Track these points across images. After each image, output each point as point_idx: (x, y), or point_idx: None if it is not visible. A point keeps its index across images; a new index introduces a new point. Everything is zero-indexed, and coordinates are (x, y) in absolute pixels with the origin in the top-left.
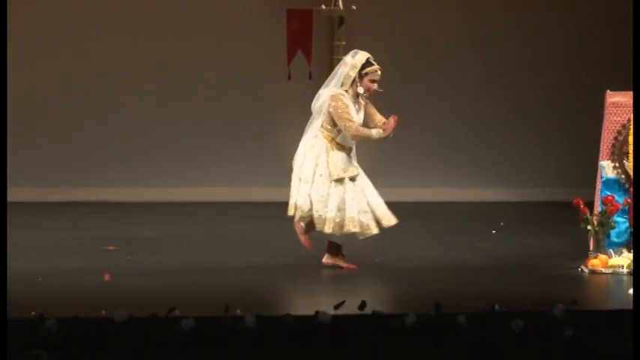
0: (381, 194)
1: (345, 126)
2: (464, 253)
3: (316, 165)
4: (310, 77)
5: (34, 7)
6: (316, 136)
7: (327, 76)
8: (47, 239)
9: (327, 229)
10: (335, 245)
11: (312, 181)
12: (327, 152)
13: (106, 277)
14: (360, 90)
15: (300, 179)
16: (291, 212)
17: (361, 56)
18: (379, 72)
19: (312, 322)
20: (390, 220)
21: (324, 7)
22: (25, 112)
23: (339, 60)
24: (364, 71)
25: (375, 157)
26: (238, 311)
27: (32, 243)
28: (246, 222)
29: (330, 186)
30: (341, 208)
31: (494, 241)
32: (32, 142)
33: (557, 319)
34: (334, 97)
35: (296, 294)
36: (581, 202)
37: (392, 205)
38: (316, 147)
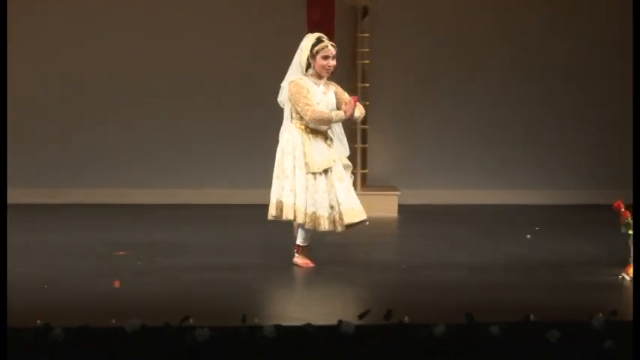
0: (411, 197)
1: (302, 110)
2: (497, 259)
3: (294, 158)
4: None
5: (33, 4)
6: (290, 130)
7: (349, 70)
8: (53, 243)
9: (323, 227)
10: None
11: (294, 175)
12: (304, 143)
13: (117, 284)
14: (315, 71)
15: (278, 176)
16: (272, 211)
17: (310, 37)
18: (330, 46)
19: (334, 332)
20: (353, 217)
21: None
22: (27, 112)
23: (363, 53)
24: (314, 50)
25: (404, 159)
26: (256, 320)
27: (37, 247)
28: (262, 226)
29: (307, 178)
30: (316, 202)
31: (529, 246)
32: (37, 143)
33: (597, 330)
34: (292, 84)
35: (317, 302)
36: (622, 206)
37: (421, 208)
38: (291, 140)
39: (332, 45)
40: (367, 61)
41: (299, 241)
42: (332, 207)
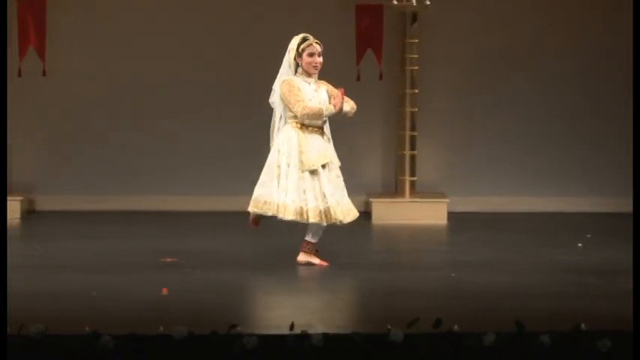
0: (461, 204)
1: (293, 106)
2: (547, 267)
3: (288, 156)
4: (381, 78)
5: (68, 14)
6: (285, 130)
7: (398, 77)
8: (99, 250)
9: (312, 219)
10: (308, 242)
11: (286, 175)
12: (299, 142)
13: (164, 291)
14: (303, 70)
15: (275, 174)
16: (258, 207)
17: (297, 38)
18: (314, 44)
19: (383, 340)
20: (334, 215)
21: (395, 2)
22: (70, 119)
23: (412, 59)
24: (300, 49)
25: (453, 165)
26: (304, 329)
27: (84, 254)
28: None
29: (300, 176)
30: (316, 197)
31: (580, 254)
32: (81, 151)
33: None
34: (283, 83)
35: (365, 310)
36: None
37: (471, 215)
38: (287, 140)
39: (317, 43)
40: (416, 68)
41: (308, 237)
42: (326, 201)
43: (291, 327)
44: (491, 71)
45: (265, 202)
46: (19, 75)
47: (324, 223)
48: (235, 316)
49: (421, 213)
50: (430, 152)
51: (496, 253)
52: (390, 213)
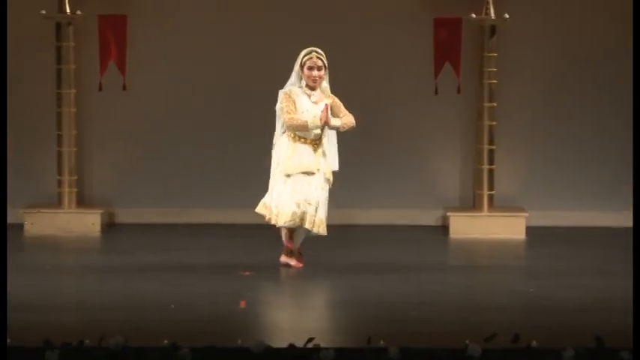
0: (539, 218)
1: (283, 116)
2: (627, 283)
3: (278, 164)
4: (459, 91)
5: (147, 29)
6: (281, 138)
7: (476, 90)
8: (178, 263)
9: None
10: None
11: (275, 180)
12: (288, 149)
13: (242, 305)
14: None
15: (270, 183)
16: (260, 210)
17: (304, 50)
18: (314, 57)
19: (461, 355)
20: (311, 225)
21: (474, 15)
22: (149, 133)
23: (490, 72)
24: (302, 61)
25: (532, 179)
26: (382, 342)
27: (162, 267)
28: (386, 246)
29: (284, 180)
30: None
31: None
32: (160, 164)
33: None
34: (281, 94)
35: (443, 324)
36: None
37: (550, 230)
38: (279, 148)
39: (317, 57)
40: (494, 81)
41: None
42: (300, 205)
43: (369, 341)
44: (570, 84)
45: (265, 204)
46: (100, 89)
47: (296, 226)
48: (312, 328)
49: (499, 227)
50: (508, 166)
51: (575, 269)
52: (468, 227)
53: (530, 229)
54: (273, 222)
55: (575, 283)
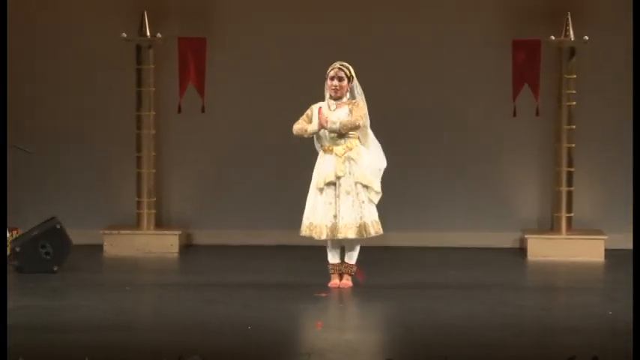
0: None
1: None
2: None
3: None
4: (537, 114)
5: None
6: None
7: (555, 113)
8: (255, 284)
9: (323, 235)
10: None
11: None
12: (318, 161)
13: (318, 326)
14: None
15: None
16: (305, 233)
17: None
18: (336, 68)
19: None
20: (340, 233)
21: (553, 37)
22: (227, 155)
23: (569, 94)
24: (326, 74)
25: (611, 202)
26: None
27: (239, 288)
28: (462, 268)
29: (316, 193)
30: (319, 215)
31: None
32: (238, 187)
33: None
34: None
35: (519, 347)
36: None
37: (627, 253)
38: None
39: (339, 67)
40: (573, 103)
41: (329, 257)
42: (334, 216)
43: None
44: None
45: (307, 225)
46: (179, 111)
47: (330, 238)
48: (388, 350)
49: (578, 250)
50: (587, 188)
51: None
52: (546, 249)
53: (609, 252)
54: (316, 237)
55: None
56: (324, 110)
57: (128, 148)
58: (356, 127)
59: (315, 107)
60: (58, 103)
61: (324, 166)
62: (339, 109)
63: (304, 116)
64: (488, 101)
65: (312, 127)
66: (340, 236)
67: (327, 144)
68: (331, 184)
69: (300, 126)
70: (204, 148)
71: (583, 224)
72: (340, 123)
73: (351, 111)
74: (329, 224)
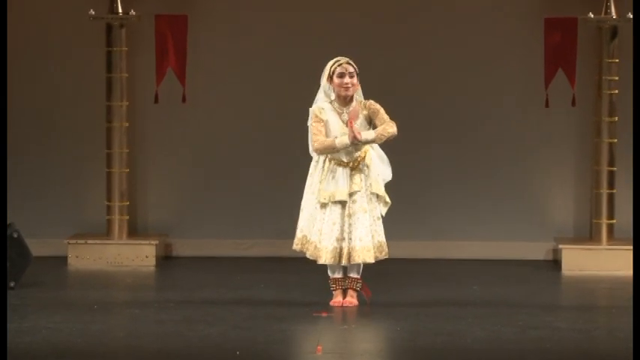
0: None
1: (310, 139)
2: None
3: (312, 183)
4: (574, 103)
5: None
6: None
7: (594, 102)
8: (242, 301)
9: (323, 260)
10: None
11: (307, 200)
12: (322, 168)
13: (318, 351)
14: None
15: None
16: (298, 247)
17: (330, 62)
18: (344, 64)
19: None
20: (358, 257)
21: (591, 15)
22: (210, 155)
23: (611, 82)
24: (331, 72)
25: None
26: None
27: (225, 306)
28: (487, 284)
29: (316, 206)
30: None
31: None
32: (224, 191)
33: None
34: (311, 111)
35: None
36: None
37: None
38: (319, 164)
39: (348, 62)
40: (615, 92)
41: (329, 272)
42: (341, 240)
43: None
44: None
45: (301, 239)
46: (156, 101)
47: (318, 262)
48: None
49: (620, 262)
50: (631, 191)
51: None
52: (584, 262)
53: None
54: (313, 259)
55: None
56: (336, 124)
57: (97, 144)
58: (393, 137)
59: (318, 111)
60: (13, 92)
61: (335, 182)
62: (356, 120)
63: (317, 125)
64: (517, 90)
65: (342, 141)
66: (355, 262)
67: (345, 159)
68: (340, 202)
69: (322, 140)
70: (185, 144)
71: (626, 232)
72: (377, 134)
73: (370, 117)
74: (330, 247)
